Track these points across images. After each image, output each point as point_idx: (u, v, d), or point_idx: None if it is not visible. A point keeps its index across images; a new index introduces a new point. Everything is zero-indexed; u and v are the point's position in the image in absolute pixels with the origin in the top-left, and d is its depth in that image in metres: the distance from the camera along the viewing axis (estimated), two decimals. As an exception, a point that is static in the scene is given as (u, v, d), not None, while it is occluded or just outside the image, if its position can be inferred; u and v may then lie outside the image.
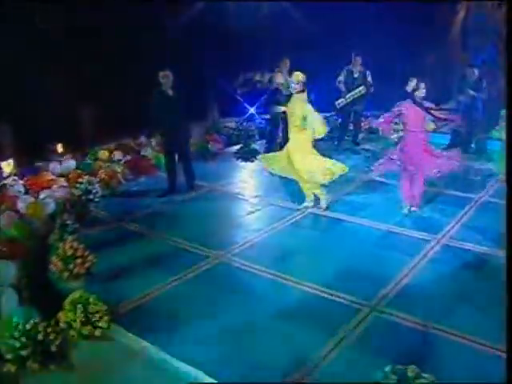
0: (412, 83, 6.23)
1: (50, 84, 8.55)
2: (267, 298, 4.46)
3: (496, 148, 8.86)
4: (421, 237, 5.69)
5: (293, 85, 6.27)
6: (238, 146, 9.68)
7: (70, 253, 4.49)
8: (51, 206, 6.48)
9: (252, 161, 8.89)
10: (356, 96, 9.26)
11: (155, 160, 8.23)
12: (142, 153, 8.61)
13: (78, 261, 4.48)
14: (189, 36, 10.84)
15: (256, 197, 7.09)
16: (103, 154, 8.97)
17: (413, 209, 6.39)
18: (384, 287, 4.59)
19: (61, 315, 3.86)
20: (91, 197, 6.50)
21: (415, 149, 6.29)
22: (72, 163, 8.32)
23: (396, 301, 4.39)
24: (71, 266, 4.43)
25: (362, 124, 10.16)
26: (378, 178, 7.76)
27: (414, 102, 6.22)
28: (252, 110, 10.98)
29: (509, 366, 2.80)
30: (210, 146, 9.36)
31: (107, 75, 10.00)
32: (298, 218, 6.29)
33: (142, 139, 9.90)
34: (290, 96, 6.48)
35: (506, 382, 2.78)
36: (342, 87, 9.38)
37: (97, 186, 6.67)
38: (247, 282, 4.78)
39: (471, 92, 8.81)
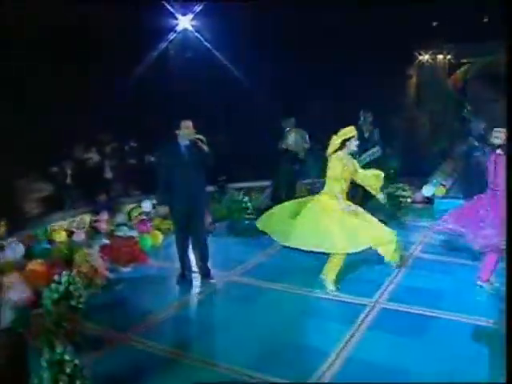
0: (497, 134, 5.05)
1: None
2: None
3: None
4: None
5: (355, 142, 5.00)
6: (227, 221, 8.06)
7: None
8: (7, 316, 4.39)
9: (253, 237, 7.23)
10: (371, 158, 8.04)
11: (141, 242, 6.25)
12: (118, 233, 6.57)
13: None
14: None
15: (290, 287, 5.32)
16: (59, 234, 6.92)
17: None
18: None
19: None
20: (73, 303, 4.38)
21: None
22: (19, 248, 6.19)
23: None
24: None
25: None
26: (425, 256, 6.42)
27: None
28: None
29: (509, 366, 2.73)
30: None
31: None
32: (369, 317, 4.62)
33: (104, 215, 7.95)
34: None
35: (506, 382, 2.74)
36: (352, 150, 8.19)
37: (80, 285, 4.56)
38: None
39: (475, 142, 7.94)
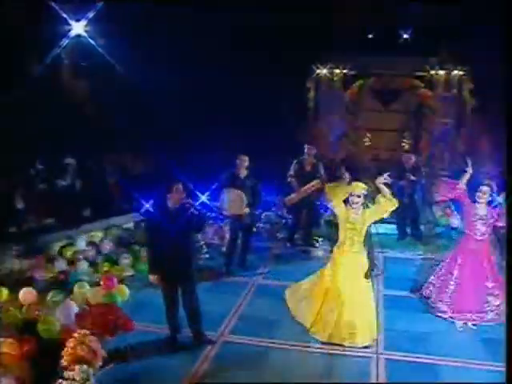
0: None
1: None
2: None
3: (445, 234, 8.91)
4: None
5: (357, 199, 5.16)
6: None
7: None
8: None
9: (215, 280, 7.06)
10: (310, 191, 8.30)
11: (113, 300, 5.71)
12: (81, 289, 5.89)
13: None
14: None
15: (287, 342, 5.28)
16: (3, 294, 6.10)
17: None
18: None
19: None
20: (91, 401, 3.89)
21: (476, 263, 5.56)
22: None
23: None
24: None
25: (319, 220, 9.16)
26: (392, 292, 6.71)
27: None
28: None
29: (508, 367, 2.82)
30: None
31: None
32: (380, 371, 4.84)
33: (37, 259, 7.16)
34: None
35: (506, 382, 2.80)
36: (294, 183, 8.37)
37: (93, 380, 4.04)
38: None
39: (412, 177, 8.65)
